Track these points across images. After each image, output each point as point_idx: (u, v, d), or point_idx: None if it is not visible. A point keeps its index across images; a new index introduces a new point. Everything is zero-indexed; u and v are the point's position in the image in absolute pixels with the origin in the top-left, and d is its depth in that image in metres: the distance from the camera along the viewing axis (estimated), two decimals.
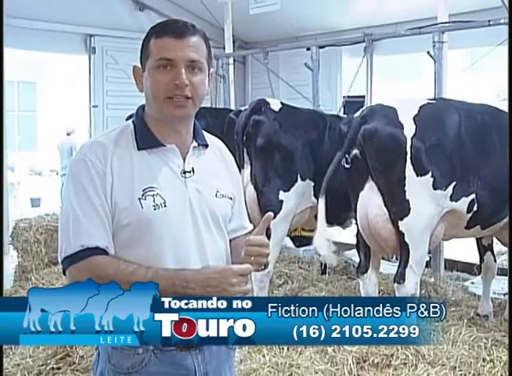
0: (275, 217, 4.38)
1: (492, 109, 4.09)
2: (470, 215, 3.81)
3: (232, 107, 7.18)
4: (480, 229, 4.00)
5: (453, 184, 3.69)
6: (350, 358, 3.44)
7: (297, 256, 6.28)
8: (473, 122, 3.80)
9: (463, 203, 3.75)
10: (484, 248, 4.49)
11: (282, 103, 4.64)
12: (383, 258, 4.43)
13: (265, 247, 1.74)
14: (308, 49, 6.49)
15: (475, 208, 3.79)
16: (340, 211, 4.56)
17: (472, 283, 5.40)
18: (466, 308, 4.55)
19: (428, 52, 5.33)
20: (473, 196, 3.76)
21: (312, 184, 4.55)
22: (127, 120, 6.35)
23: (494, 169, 3.79)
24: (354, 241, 4.30)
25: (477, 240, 4.49)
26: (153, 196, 1.69)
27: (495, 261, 4.52)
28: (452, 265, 5.95)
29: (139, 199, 1.69)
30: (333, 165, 3.88)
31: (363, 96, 6.43)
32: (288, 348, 3.60)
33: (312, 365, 3.44)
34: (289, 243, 6.87)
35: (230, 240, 1.90)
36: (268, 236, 4.31)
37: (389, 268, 5.24)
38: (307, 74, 6.56)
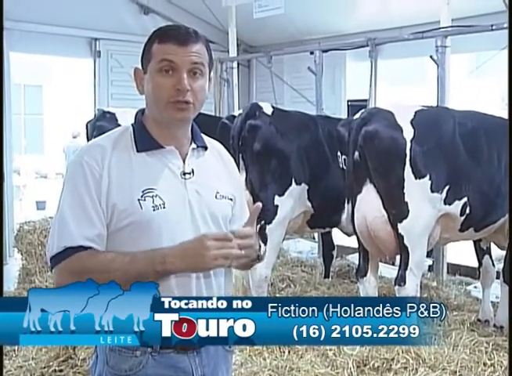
0: (271, 222, 4.37)
1: (480, 115, 4.13)
2: (463, 217, 3.85)
3: (236, 111, 7.18)
4: (474, 232, 4.02)
5: (447, 187, 3.72)
6: (350, 362, 3.43)
7: (299, 260, 6.27)
8: (465, 128, 3.85)
9: (456, 206, 3.79)
10: (482, 252, 4.49)
11: (273, 107, 4.60)
12: (384, 262, 4.43)
13: (248, 238, 1.71)
14: (312, 53, 6.50)
15: (468, 211, 3.82)
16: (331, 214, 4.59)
17: (475, 287, 5.39)
18: (468, 312, 4.53)
19: (431, 57, 5.33)
20: (465, 199, 3.80)
21: (307, 188, 4.50)
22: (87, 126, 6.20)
23: (484, 173, 3.84)
24: (356, 245, 4.30)
25: (475, 244, 4.49)
26: (152, 197, 1.70)
27: (493, 265, 4.51)
28: (454, 269, 5.94)
29: (139, 200, 1.69)
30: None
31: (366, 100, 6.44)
32: (289, 352, 3.60)
33: (313, 368, 3.44)
34: (291, 247, 6.89)
35: None
36: (265, 242, 4.32)
37: (391, 272, 5.23)
38: (311, 77, 6.55)
